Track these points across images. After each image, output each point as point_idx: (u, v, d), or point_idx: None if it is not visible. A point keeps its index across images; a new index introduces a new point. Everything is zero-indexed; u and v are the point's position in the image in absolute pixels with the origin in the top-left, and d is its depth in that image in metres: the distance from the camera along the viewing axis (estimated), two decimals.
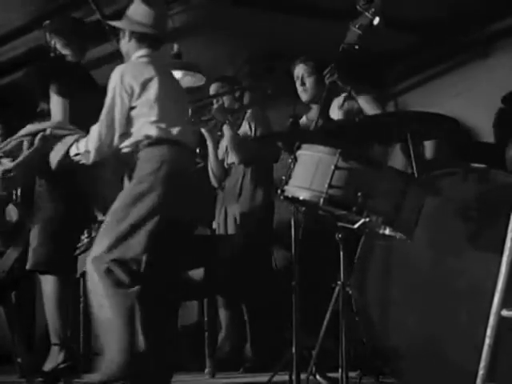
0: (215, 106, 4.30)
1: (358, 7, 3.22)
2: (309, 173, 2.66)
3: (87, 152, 3.31)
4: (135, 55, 3.37)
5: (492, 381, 2.30)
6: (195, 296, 4.85)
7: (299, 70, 3.96)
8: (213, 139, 4.46)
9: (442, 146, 5.29)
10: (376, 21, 3.21)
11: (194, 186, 3.31)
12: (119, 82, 3.26)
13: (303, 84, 3.94)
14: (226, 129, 4.34)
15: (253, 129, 4.41)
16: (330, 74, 3.47)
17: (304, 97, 4.01)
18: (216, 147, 4.51)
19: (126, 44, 3.41)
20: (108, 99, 3.27)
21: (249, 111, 4.53)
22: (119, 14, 5.00)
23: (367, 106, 3.64)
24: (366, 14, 3.23)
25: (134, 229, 3.03)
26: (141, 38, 3.35)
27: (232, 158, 4.45)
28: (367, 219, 2.58)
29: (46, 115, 3.84)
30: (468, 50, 5.47)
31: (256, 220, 4.33)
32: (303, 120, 4.02)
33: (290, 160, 2.78)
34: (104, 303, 2.95)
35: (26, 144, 3.60)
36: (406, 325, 2.93)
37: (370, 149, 3.59)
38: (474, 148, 4.45)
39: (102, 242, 3.06)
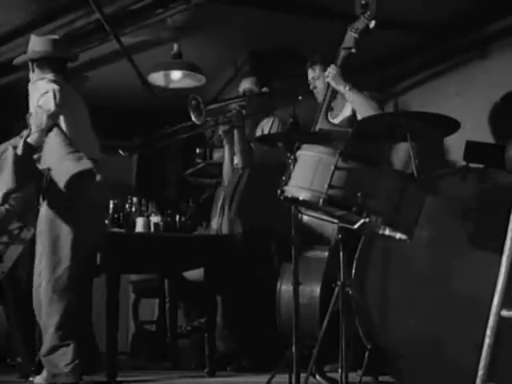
0: (234, 111, 4.32)
1: (355, 12, 3.33)
2: (309, 173, 2.66)
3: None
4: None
5: (492, 381, 2.31)
6: (195, 296, 4.86)
7: (309, 75, 3.98)
8: (228, 140, 4.46)
9: (442, 146, 5.30)
10: (372, 24, 3.37)
11: None
12: None
13: (314, 87, 3.95)
14: (236, 133, 4.36)
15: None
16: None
17: (319, 98, 4.01)
18: (231, 149, 4.51)
19: (32, 75, 3.66)
20: None
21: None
22: (119, 14, 5.05)
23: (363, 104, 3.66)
24: (363, 18, 3.38)
25: None
26: (40, 65, 3.60)
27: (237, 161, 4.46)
28: (367, 219, 2.58)
29: None
30: (467, 50, 5.47)
31: (248, 222, 4.32)
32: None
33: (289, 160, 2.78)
34: None
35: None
36: (406, 325, 2.94)
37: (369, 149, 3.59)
38: (474, 148, 4.44)
39: None
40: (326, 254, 3.45)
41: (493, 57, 5.23)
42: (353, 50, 3.45)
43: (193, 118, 4.08)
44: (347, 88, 3.54)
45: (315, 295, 3.38)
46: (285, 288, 3.52)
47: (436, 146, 5.19)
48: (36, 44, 3.66)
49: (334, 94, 3.63)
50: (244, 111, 4.35)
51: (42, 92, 3.52)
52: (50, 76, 3.60)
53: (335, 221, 2.92)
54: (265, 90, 4.43)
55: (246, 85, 4.58)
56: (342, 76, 3.54)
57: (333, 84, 3.55)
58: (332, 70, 3.56)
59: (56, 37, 3.72)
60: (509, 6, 4.66)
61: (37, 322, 3.57)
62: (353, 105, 3.63)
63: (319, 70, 3.87)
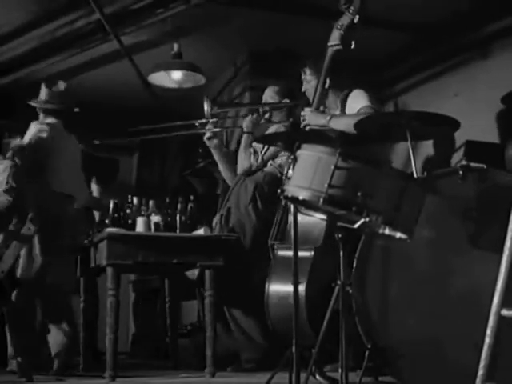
0: (249, 118, 4.34)
1: (339, 8, 3.31)
2: (309, 172, 2.66)
3: None
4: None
5: (492, 380, 2.30)
6: (195, 296, 4.85)
7: (302, 77, 3.97)
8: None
9: (441, 145, 5.31)
10: (356, 19, 3.31)
11: None
12: None
13: (306, 89, 3.93)
14: (245, 138, 4.38)
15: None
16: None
17: (310, 100, 4.00)
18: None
19: (40, 116, 4.38)
20: None
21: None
22: (120, 14, 5.05)
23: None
24: (347, 13, 3.33)
25: None
26: (46, 112, 4.36)
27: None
28: (367, 219, 2.57)
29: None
30: (467, 50, 5.47)
31: (237, 226, 4.34)
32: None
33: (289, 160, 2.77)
34: None
35: None
36: (406, 324, 2.93)
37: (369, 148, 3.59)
38: (474, 147, 4.44)
39: None
40: (311, 253, 3.45)
41: (494, 57, 5.23)
42: (339, 47, 3.39)
43: (205, 107, 4.15)
44: (327, 119, 3.52)
45: (301, 295, 3.39)
46: (273, 288, 3.54)
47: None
48: (44, 94, 4.36)
49: (323, 96, 3.61)
50: (262, 119, 4.37)
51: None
52: (51, 120, 4.31)
53: (325, 217, 2.93)
54: (285, 101, 4.40)
55: (268, 93, 4.51)
56: (317, 112, 3.53)
57: (313, 123, 3.52)
58: (305, 112, 3.54)
59: (62, 88, 4.37)
60: (509, 5, 4.66)
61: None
62: (343, 130, 3.52)
63: (309, 74, 3.87)
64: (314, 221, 3.33)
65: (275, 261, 3.66)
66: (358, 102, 3.66)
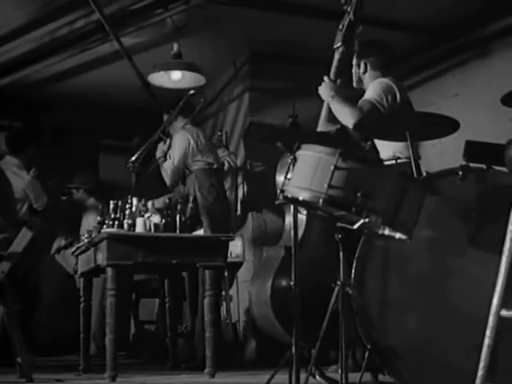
0: (160, 146, 5.01)
1: (342, 7, 3.32)
2: (308, 173, 2.66)
3: None
4: None
5: (492, 381, 2.30)
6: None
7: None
8: None
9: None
10: (352, 17, 3.30)
11: None
12: None
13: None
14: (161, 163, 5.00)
15: (171, 157, 4.93)
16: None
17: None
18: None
19: None
20: None
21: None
22: (119, 15, 5.05)
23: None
24: (346, 12, 3.34)
25: None
26: None
27: None
28: (366, 219, 2.57)
29: None
30: (467, 50, 5.47)
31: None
32: None
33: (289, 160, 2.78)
34: None
35: None
36: (406, 325, 2.93)
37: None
38: (473, 148, 4.43)
39: None
40: (282, 252, 3.48)
41: (494, 56, 5.23)
42: (342, 48, 3.40)
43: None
44: (330, 98, 3.50)
45: (267, 293, 3.42)
46: (255, 287, 3.61)
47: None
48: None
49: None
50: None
51: None
52: None
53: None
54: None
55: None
56: (330, 87, 3.50)
57: (322, 96, 3.53)
58: (324, 80, 3.52)
59: None
60: (509, 5, 4.67)
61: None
62: (335, 113, 3.56)
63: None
64: (300, 219, 3.37)
65: (260, 261, 3.74)
66: (367, 92, 3.64)
